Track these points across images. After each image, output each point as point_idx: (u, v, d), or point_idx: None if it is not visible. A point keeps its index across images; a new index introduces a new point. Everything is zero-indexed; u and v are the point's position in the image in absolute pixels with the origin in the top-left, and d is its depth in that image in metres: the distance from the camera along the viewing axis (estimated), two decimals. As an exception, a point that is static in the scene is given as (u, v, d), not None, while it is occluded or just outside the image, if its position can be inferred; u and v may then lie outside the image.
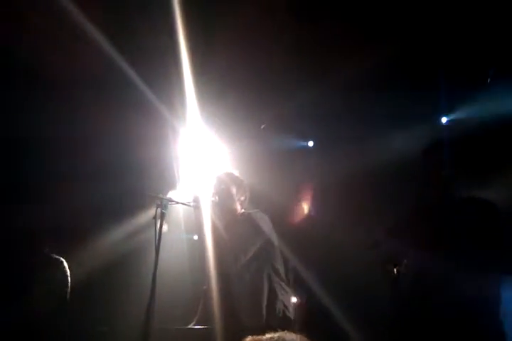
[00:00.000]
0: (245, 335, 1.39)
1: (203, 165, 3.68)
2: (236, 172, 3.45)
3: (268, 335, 1.14)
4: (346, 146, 4.33)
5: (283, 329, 1.41)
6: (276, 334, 1.13)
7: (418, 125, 4.03)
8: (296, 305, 3.77)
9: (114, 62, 3.62)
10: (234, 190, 3.30)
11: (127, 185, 3.66)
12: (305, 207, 4.73)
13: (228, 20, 3.84)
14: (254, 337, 1.14)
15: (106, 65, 3.61)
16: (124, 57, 3.66)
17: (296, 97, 4.29)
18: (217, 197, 3.25)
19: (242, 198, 3.32)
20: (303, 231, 4.43)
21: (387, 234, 2.84)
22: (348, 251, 4.12)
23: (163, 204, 2.94)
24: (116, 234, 4.16)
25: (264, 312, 3.09)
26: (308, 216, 4.74)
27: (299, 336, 1.14)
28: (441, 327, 2.53)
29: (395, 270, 2.82)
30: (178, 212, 4.30)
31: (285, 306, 3.14)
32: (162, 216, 2.93)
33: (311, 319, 3.86)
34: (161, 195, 2.96)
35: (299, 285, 3.91)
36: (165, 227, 4.50)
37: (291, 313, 3.16)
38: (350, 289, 4.06)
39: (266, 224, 3.24)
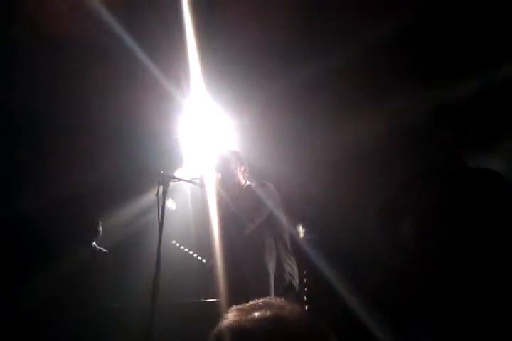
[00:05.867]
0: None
1: (208, 141, 3.64)
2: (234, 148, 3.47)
3: (251, 302, 1.03)
4: (349, 115, 4.19)
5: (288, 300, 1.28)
6: (260, 300, 1.02)
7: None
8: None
9: (117, 34, 3.53)
10: (234, 164, 3.30)
11: (130, 162, 3.62)
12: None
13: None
14: (239, 305, 1.05)
15: (107, 36, 3.53)
16: (127, 29, 3.57)
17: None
18: (219, 174, 3.23)
19: (243, 168, 3.32)
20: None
21: (382, 209, 2.74)
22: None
23: (165, 182, 2.91)
24: (123, 212, 4.18)
25: (271, 282, 3.11)
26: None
27: (284, 301, 1.03)
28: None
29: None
30: (185, 190, 4.29)
31: (292, 276, 3.17)
32: (164, 193, 2.90)
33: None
34: (162, 172, 2.92)
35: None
36: (173, 205, 4.53)
37: (297, 284, 3.19)
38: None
39: (271, 197, 3.22)
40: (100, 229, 3.88)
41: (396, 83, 3.92)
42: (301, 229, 4.30)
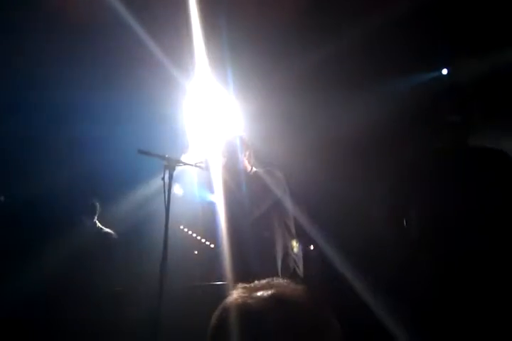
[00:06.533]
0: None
1: (213, 125, 3.60)
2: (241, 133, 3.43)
3: (256, 282, 1.08)
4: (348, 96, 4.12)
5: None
6: (264, 280, 1.08)
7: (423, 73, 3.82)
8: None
9: (119, 14, 3.46)
10: (240, 150, 3.27)
11: (134, 146, 3.59)
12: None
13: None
14: (245, 284, 1.09)
15: (111, 17, 3.47)
16: (129, 9, 3.50)
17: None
18: (225, 160, 3.21)
19: (248, 153, 3.29)
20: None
21: (389, 190, 2.70)
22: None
23: (171, 166, 2.89)
24: (130, 198, 4.17)
25: (278, 268, 3.10)
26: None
27: (287, 281, 1.08)
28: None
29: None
30: (193, 175, 4.27)
31: (296, 263, 3.16)
32: (170, 177, 2.89)
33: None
34: (168, 156, 2.91)
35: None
36: (180, 190, 4.52)
37: (301, 271, 3.18)
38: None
39: (277, 184, 3.19)
40: (97, 204, 3.90)
41: (405, 64, 3.85)
42: (294, 244, 4.23)
